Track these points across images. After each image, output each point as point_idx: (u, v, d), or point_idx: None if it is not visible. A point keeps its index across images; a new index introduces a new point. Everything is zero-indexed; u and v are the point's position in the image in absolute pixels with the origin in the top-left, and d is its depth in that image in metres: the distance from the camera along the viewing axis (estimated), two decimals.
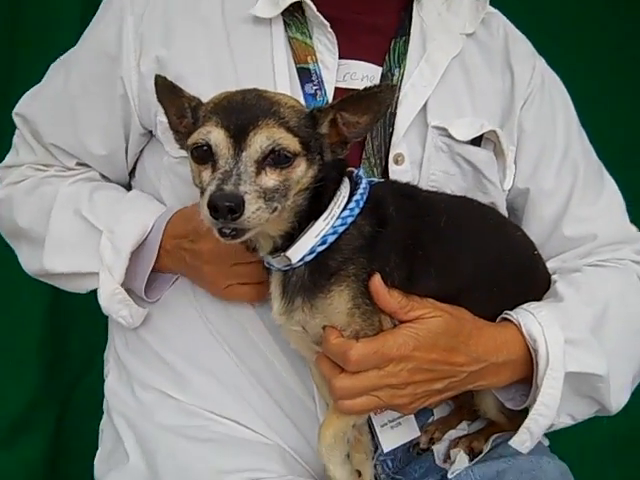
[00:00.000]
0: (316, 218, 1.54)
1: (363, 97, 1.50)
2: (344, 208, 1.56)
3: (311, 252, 1.54)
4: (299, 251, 1.55)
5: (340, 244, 1.55)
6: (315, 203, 1.55)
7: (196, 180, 1.51)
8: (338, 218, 1.55)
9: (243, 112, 1.46)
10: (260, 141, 1.42)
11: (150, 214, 1.85)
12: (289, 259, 1.56)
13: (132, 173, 2.05)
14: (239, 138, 1.43)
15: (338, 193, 1.57)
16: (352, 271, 1.56)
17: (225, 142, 1.43)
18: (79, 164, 2.00)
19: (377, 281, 1.55)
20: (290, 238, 1.55)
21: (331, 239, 1.54)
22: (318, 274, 1.56)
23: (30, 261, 1.99)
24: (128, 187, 2.07)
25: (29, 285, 2.07)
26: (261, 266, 1.68)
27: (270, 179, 1.43)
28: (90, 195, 1.91)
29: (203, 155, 1.46)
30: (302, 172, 1.48)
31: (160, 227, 1.83)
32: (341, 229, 1.55)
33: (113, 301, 1.84)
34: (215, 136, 1.44)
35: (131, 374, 1.94)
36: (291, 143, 1.45)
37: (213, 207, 1.37)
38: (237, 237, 1.43)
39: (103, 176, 2.03)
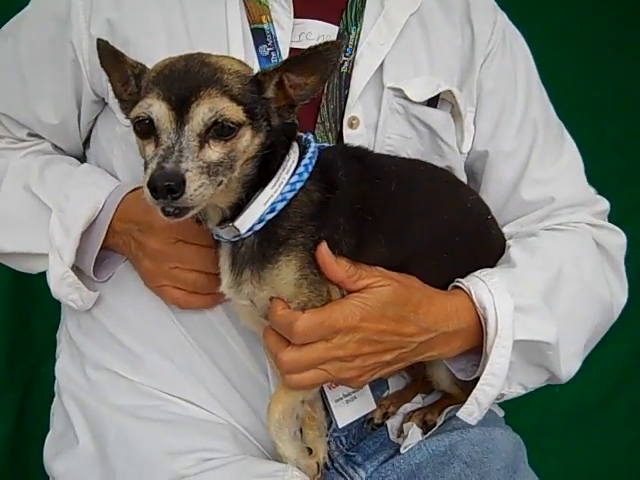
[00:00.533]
0: (264, 186, 1.50)
1: (309, 57, 1.45)
2: (293, 173, 1.52)
3: (260, 221, 1.50)
4: (247, 220, 1.51)
5: (289, 211, 1.51)
6: (264, 170, 1.50)
7: (141, 153, 1.46)
8: (287, 184, 1.50)
9: (185, 81, 1.41)
10: (202, 113, 1.38)
11: (101, 191, 1.80)
12: (237, 229, 1.51)
13: (87, 143, 2.00)
14: (181, 110, 1.38)
15: (287, 158, 1.53)
16: (300, 240, 1.52)
17: (166, 116, 1.38)
18: (31, 135, 1.95)
19: (324, 250, 1.51)
20: (239, 208, 1.51)
21: (280, 206, 1.50)
22: (267, 244, 1.52)
23: None
24: (83, 158, 2.02)
25: None
26: (199, 276, 1.68)
27: (214, 152, 1.39)
28: (41, 170, 1.86)
29: (146, 129, 1.42)
30: (248, 141, 1.44)
31: (111, 207, 1.78)
32: (290, 195, 1.51)
33: (63, 285, 1.80)
34: (156, 109, 1.39)
35: (83, 355, 1.90)
36: (234, 113, 1.40)
37: (153, 187, 1.33)
38: (181, 215, 1.39)
39: (56, 147, 1.98)
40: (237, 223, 1.51)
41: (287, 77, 1.47)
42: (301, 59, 1.45)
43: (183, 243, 1.71)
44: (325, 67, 1.45)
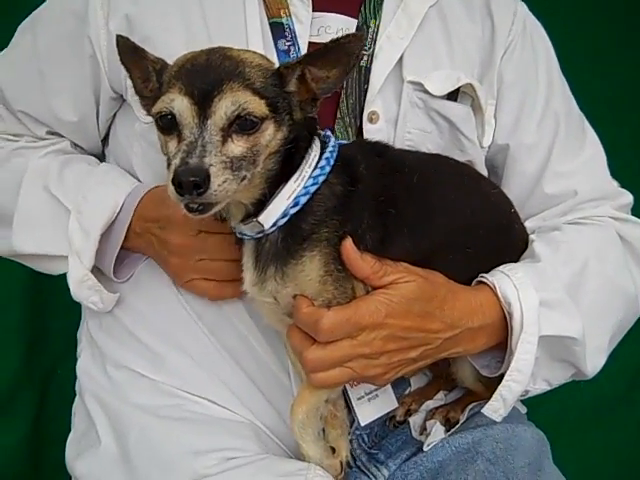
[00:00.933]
0: (287, 180, 1.49)
1: (331, 49, 1.43)
2: (315, 167, 1.51)
3: (284, 215, 1.49)
4: (271, 215, 1.50)
5: (312, 205, 1.50)
6: (287, 165, 1.50)
7: (163, 149, 1.46)
8: (310, 178, 1.50)
9: (207, 76, 1.40)
10: (225, 107, 1.37)
11: (119, 191, 1.79)
12: (261, 225, 1.51)
13: (105, 141, 2.00)
14: (203, 105, 1.37)
15: (309, 152, 1.52)
16: (325, 235, 1.51)
17: (189, 110, 1.38)
18: (50, 133, 1.94)
19: (349, 245, 1.50)
20: (262, 203, 1.50)
21: (303, 200, 1.49)
22: (291, 239, 1.51)
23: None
24: (102, 156, 2.01)
25: (7, 264, 2.00)
26: (227, 264, 1.66)
27: (237, 146, 1.38)
28: (60, 170, 1.85)
29: (168, 124, 1.41)
30: (271, 136, 1.43)
31: (130, 207, 1.78)
32: (313, 189, 1.50)
33: (83, 287, 1.79)
34: (179, 104, 1.38)
35: (104, 354, 1.89)
36: (257, 106, 1.39)
37: (178, 183, 1.32)
38: (205, 211, 1.38)
39: (76, 145, 1.98)
40: (261, 218, 1.50)
41: (309, 70, 1.46)
42: (323, 52, 1.44)
43: (205, 234, 1.69)
44: (347, 59, 1.44)
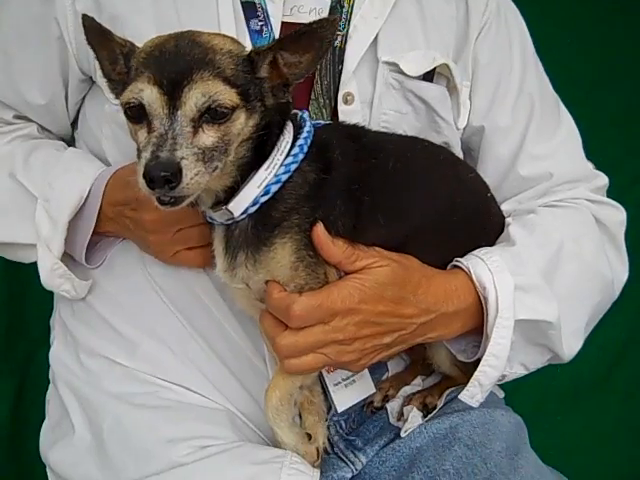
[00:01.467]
0: (258, 167, 1.47)
1: (303, 34, 1.41)
2: (287, 155, 1.49)
3: (254, 204, 1.48)
4: (241, 203, 1.49)
5: (284, 193, 1.49)
6: (259, 151, 1.48)
7: (133, 137, 1.43)
8: (281, 166, 1.48)
9: (176, 64, 1.37)
10: (195, 98, 1.35)
11: (85, 178, 1.77)
12: (231, 212, 1.49)
13: (75, 124, 1.97)
14: (173, 95, 1.35)
15: (281, 139, 1.50)
16: (295, 222, 1.50)
17: (159, 101, 1.35)
18: (17, 117, 1.92)
19: (320, 230, 1.49)
20: (233, 190, 1.49)
21: (274, 188, 1.48)
22: (262, 226, 1.50)
23: None
24: (71, 140, 1.99)
25: None
26: (204, 227, 1.63)
27: (208, 137, 1.37)
28: (26, 157, 1.83)
29: (137, 114, 1.39)
30: (242, 124, 1.41)
31: (98, 192, 1.76)
32: (284, 177, 1.48)
33: (53, 276, 1.78)
34: (148, 94, 1.36)
35: (77, 341, 1.88)
36: (228, 96, 1.37)
37: (149, 178, 1.30)
38: (177, 204, 1.37)
39: (44, 129, 1.95)
40: (230, 206, 1.49)
41: (281, 55, 1.44)
42: (295, 37, 1.42)
43: None
44: (320, 45, 1.42)
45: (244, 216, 1.49)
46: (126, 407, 1.76)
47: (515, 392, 2.03)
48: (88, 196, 1.76)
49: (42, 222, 1.76)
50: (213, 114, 1.36)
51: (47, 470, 1.91)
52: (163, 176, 1.29)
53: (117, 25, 1.68)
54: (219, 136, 1.37)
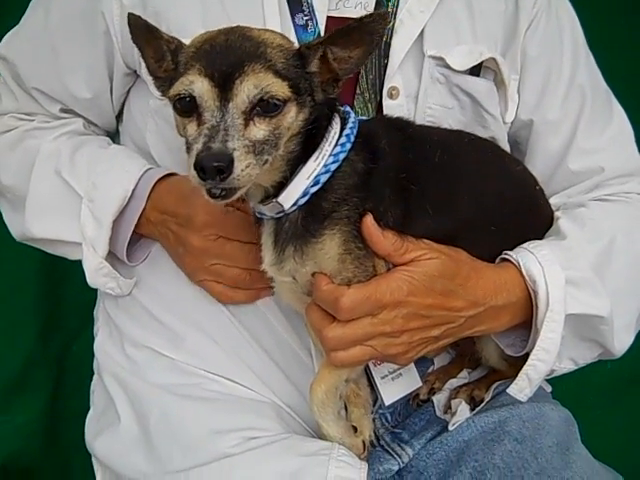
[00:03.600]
0: (307, 160, 1.49)
1: (354, 29, 1.42)
2: (335, 145, 1.51)
3: (304, 195, 1.50)
4: (291, 196, 1.50)
5: (333, 183, 1.50)
6: (307, 145, 1.50)
7: (180, 130, 1.46)
8: (330, 156, 1.50)
9: (227, 57, 1.39)
10: (247, 90, 1.36)
11: (129, 177, 1.80)
12: (281, 205, 1.51)
13: (120, 117, 2.01)
14: (225, 87, 1.36)
15: (329, 130, 1.52)
16: (345, 213, 1.51)
17: (210, 93, 1.37)
18: (63, 110, 1.96)
19: (369, 222, 1.50)
20: (282, 184, 1.51)
21: (324, 178, 1.49)
22: (311, 218, 1.51)
23: (13, 224, 1.98)
24: (116, 133, 2.03)
25: (21, 243, 2.02)
26: (241, 272, 1.70)
27: (260, 130, 1.38)
28: (72, 154, 1.87)
29: (187, 107, 1.40)
30: (293, 118, 1.43)
31: (143, 194, 1.80)
32: (334, 167, 1.50)
33: (98, 275, 1.83)
34: (199, 86, 1.37)
35: (122, 332, 1.91)
36: (280, 89, 1.39)
37: (201, 168, 1.32)
38: (227, 197, 1.38)
39: (90, 122, 1.99)
40: (280, 199, 1.50)
41: (331, 50, 1.45)
42: (346, 32, 1.43)
43: (225, 240, 1.72)
44: (370, 39, 1.43)
45: (294, 208, 1.51)
46: (172, 398, 1.79)
47: (556, 385, 2.01)
48: (131, 196, 1.79)
49: (87, 222, 1.80)
50: (265, 107, 1.38)
51: (92, 459, 1.95)
52: (215, 166, 1.30)
53: (161, 20, 1.71)
54: (270, 129, 1.39)
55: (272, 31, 1.50)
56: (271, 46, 1.42)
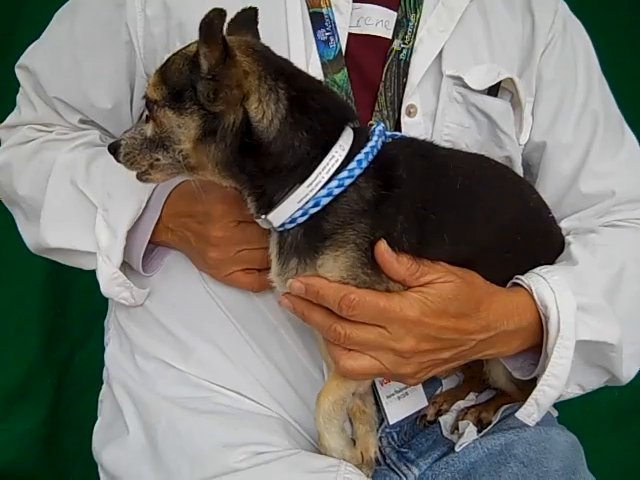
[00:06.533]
0: (301, 182, 1.51)
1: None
2: (341, 169, 1.51)
3: (303, 214, 1.52)
4: (280, 216, 1.54)
5: (336, 207, 1.52)
6: (265, 162, 1.51)
7: None
8: (333, 180, 1.50)
9: None
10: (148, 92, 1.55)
11: (143, 186, 1.82)
12: (270, 223, 1.55)
13: None
14: None
15: (329, 156, 1.52)
16: (351, 238, 1.52)
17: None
18: (82, 121, 2.00)
19: (382, 247, 1.51)
20: (268, 200, 1.55)
21: (325, 201, 1.51)
22: (313, 236, 1.54)
23: (28, 234, 2.01)
24: None
25: (28, 252, 2.05)
26: (267, 252, 1.67)
27: (148, 128, 1.54)
28: (87, 164, 1.91)
29: None
30: (170, 121, 1.51)
31: (157, 204, 1.83)
32: (337, 191, 1.50)
33: (112, 285, 1.85)
34: None
35: (132, 343, 1.94)
36: (152, 90, 1.52)
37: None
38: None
39: (107, 133, 2.03)
40: (270, 217, 1.55)
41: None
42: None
43: (245, 224, 1.73)
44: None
45: (293, 225, 1.54)
46: (180, 410, 1.81)
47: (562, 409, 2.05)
48: (146, 206, 1.83)
49: (101, 232, 1.83)
50: (149, 106, 1.58)
51: (99, 469, 1.97)
52: (109, 148, 1.62)
53: (185, 32, 1.76)
54: (154, 129, 1.56)
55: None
56: (177, 54, 1.54)
